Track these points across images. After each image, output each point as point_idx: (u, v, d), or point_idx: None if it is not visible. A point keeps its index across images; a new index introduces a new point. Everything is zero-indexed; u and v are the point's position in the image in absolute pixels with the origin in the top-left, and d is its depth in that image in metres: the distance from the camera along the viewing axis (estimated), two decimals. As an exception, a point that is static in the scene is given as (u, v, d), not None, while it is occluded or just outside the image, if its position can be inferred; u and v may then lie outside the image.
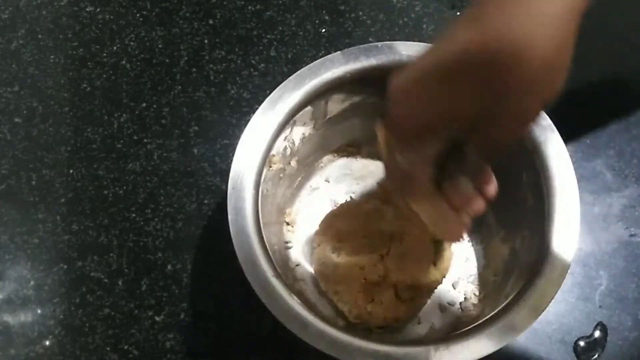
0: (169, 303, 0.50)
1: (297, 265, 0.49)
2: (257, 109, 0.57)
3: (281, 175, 0.46)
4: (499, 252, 0.47)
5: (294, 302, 0.38)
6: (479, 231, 0.49)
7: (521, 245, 0.44)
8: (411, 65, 0.32)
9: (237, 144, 0.55)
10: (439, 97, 0.31)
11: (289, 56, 0.59)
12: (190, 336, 0.49)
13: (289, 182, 0.49)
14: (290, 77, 0.43)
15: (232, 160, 0.55)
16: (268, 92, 0.57)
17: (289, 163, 0.47)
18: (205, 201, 0.53)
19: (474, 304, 0.47)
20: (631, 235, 0.52)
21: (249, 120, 0.56)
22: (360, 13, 0.61)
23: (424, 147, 0.35)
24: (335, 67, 0.44)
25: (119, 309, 0.50)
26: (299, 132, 0.46)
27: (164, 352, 0.48)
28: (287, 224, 0.50)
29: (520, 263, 0.43)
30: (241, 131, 0.56)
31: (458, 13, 0.61)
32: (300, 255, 0.49)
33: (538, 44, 0.28)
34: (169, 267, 0.51)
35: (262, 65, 0.59)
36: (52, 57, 0.59)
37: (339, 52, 0.44)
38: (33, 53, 0.59)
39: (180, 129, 0.56)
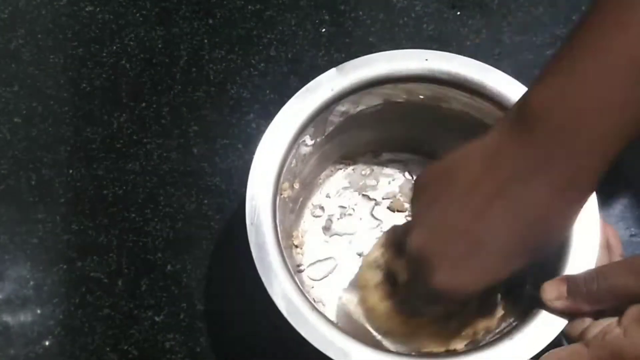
0: (169, 303, 0.50)
1: (312, 287, 0.48)
2: (257, 108, 0.57)
3: (287, 199, 0.46)
4: None
5: (337, 334, 0.37)
6: None
7: None
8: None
9: (237, 143, 0.55)
10: None
11: (289, 56, 0.59)
12: (190, 336, 0.49)
13: (292, 205, 0.48)
14: (290, 100, 0.43)
15: (232, 160, 0.55)
16: (268, 91, 0.58)
17: (293, 186, 0.47)
18: (205, 201, 0.53)
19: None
20: (631, 235, 0.52)
21: (248, 120, 0.57)
22: (360, 13, 0.61)
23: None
24: (332, 83, 0.44)
25: (119, 309, 0.50)
26: (300, 154, 0.46)
27: (164, 352, 0.48)
28: (296, 246, 0.50)
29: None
30: (241, 131, 0.56)
31: (458, 13, 0.61)
32: (314, 276, 0.49)
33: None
34: (169, 267, 0.51)
35: (262, 65, 0.59)
36: (51, 57, 0.59)
37: (333, 69, 0.44)
38: (32, 53, 0.59)
39: (180, 128, 0.56)
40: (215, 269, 0.51)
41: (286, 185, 0.44)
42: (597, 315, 0.36)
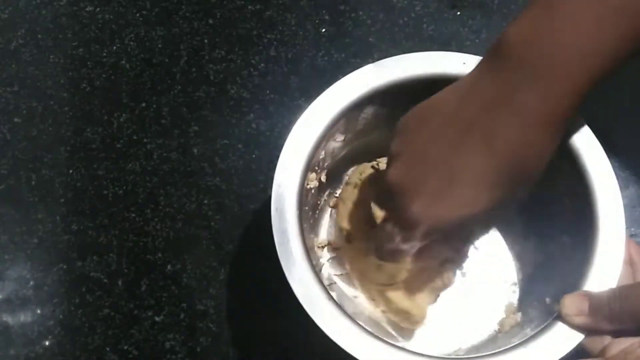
0: (169, 303, 0.50)
1: (331, 283, 0.48)
2: (257, 108, 0.57)
3: (313, 191, 0.46)
4: (533, 258, 0.47)
5: (354, 326, 0.37)
6: (508, 237, 0.49)
7: (558, 251, 0.44)
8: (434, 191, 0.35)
9: (237, 143, 0.56)
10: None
11: (289, 56, 0.59)
12: (190, 336, 0.49)
13: (317, 197, 0.48)
14: (323, 94, 0.43)
15: (232, 160, 0.55)
16: (268, 91, 0.58)
17: (320, 179, 0.46)
18: (205, 201, 0.53)
19: (514, 310, 0.47)
20: (631, 235, 0.52)
21: (249, 120, 0.57)
22: (360, 13, 0.61)
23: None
24: (369, 79, 0.43)
25: (119, 309, 0.50)
26: (330, 147, 0.46)
27: (164, 352, 0.48)
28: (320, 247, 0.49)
29: (560, 269, 0.43)
30: (241, 131, 0.56)
31: (458, 13, 0.61)
32: (334, 271, 0.49)
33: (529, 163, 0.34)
34: (169, 267, 0.51)
35: (262, 65, 0.59)
36: (51, 57, 0.59)
37: (371, 65, 0.44)
38: (32, 53, 0.59)
39: (180, 129, 0.56)
40: (216, 269, 0.51)
41: (313, 176, 0.44)
42: (617, 334, 0.35)
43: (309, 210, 0.46)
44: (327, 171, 0.47)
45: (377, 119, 0.46)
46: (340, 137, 0.46)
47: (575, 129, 0.41)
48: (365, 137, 0.48)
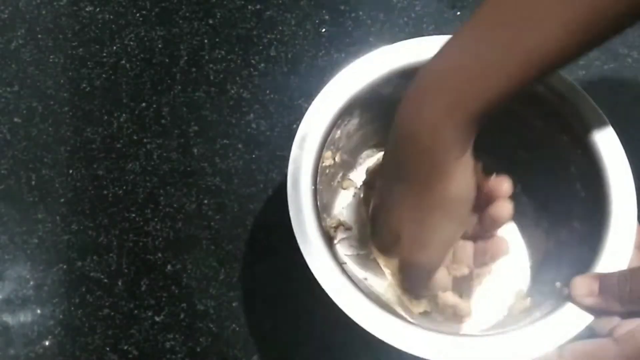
0: (169, 303, 0.50)
1: (343, 263, 0.48)
2: (257, 108, 0.57)
3: (327, 171, 0.46)
4: (543, 244, 0.47)
5: (367, 300, 0.37)
6: (519, 224, 0.49)
7: (569, 237, 0.43)
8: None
9: (237, 143, 0.56)
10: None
11: (289, 56, 0.59)
12: (190, 336, 0.49)
13: (331, 178, 0.48)
14: (344, 69, 0.43)
15: (232, 160, 0.55)
16: (268, 91, 0.58)
17: (335, 159, 0.46)
18: (205, 201, 0.53)
19: (523, 296, 0.46)
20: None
21: (249, 120, 0.57)
22: (360, 13, 0.61)
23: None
24: (385, 62, 0.43)
25: (119, 309, 0.50)
26: (346, 128, 0.45)
27: (164, 352, 0.48)
28: (334, 228, 0.49)
29: (570, 255, 0.43)
30: (241, 131, 0.56)
31: (458, 13, 0.61)
32: (345, 251, 0.48)
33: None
34: (169, 267, 0.51)
35: (262, 65, 0.59)
36: (51, 57, 0.59)
37: (386, 47, 0.44)
38: (32, 53, 0.59)
39: (180, 128, 0.56)
40: (215, 269, 0.51)
41: (329, 154, 0.44)
42: (627, 315, 0.36)
43: (322, 190, 0.46)
44: (342, 153, 0.47)
45: (393, 104, 0.46)
46: (356, 119, 0.46)
47: (590, 117, 0.41)
48: (381, 120, 0.47)
